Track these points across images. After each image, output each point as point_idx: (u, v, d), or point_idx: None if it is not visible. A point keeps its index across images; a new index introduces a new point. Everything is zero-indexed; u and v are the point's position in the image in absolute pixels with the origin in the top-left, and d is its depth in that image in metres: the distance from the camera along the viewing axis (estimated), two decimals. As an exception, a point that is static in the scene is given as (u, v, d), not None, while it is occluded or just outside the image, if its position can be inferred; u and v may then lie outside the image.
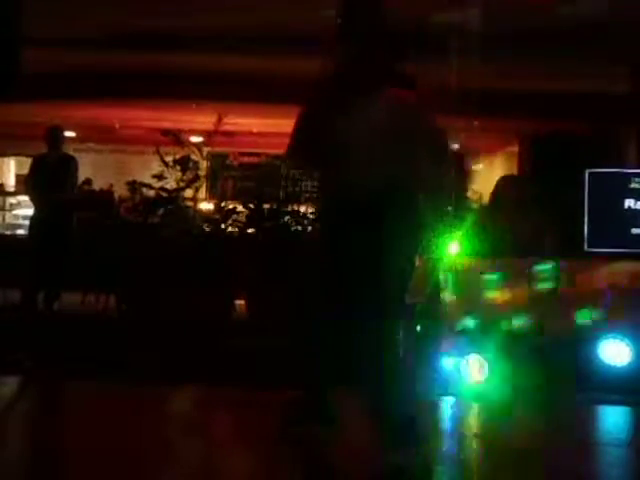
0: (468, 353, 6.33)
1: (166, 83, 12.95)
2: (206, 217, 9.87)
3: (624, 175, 7.13)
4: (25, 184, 10.03)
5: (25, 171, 10.62)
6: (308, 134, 4.49)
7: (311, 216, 9.27)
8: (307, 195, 9.90)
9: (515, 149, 17.53)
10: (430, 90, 4.78)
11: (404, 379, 4.34)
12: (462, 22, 8.83)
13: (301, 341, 4.69)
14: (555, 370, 6.38)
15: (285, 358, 5.17)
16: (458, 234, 7.08)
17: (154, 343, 7.66)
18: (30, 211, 10.24)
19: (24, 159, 16.17)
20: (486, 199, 9.70)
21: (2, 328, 8.01)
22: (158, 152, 9.72)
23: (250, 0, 9.69)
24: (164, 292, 8.78)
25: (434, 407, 5.91)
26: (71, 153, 10.27)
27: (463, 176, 4.32)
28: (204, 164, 10.01)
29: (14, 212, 16.15)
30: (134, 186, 9.78)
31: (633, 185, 6.94)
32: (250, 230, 9.41)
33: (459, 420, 5.75)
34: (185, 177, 9.48)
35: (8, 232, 14.93)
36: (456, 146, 16.16)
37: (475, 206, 9.43)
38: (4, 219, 16.39)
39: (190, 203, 9.68)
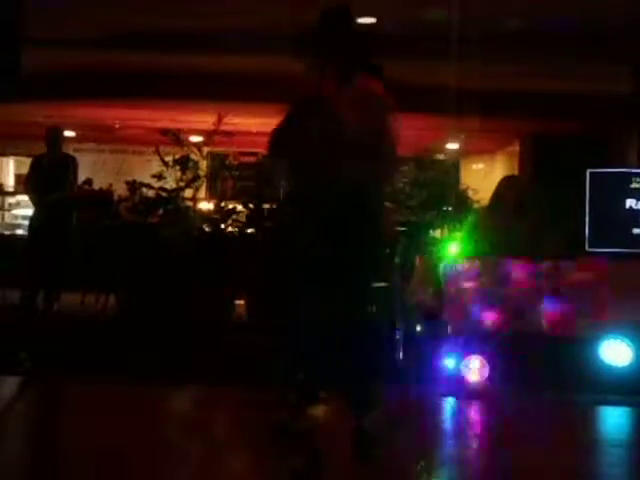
0: (468, 353, 6.32)
1: (166, 83, 12.95)
2: (206, 217, 9.86)
3: (625, 175, 7.11)
4: (24, 184, 10.02)
5: (24, 171, 10.62)
6: (287, 132, 4.73)
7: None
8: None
9: (515, 149, 17.52)
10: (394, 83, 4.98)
11: (378, 347, 4.72)
12: (462, 22, 8.81)
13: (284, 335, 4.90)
14: (556, 370, 6.38)
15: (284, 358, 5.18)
16: (459, 234, 7.08)
17: (154, 343, 7.65)
18: (29, 211, 10.23)
19: (23, 159, 16.19)
20: (486, 199, 9.72)
21: (2, 328, 8.01)
22: (158, 152, 9.72)
23: (250, 0, 9.69)
24: (164, 292, 8.78)
25: (434, 407, 5.91)
26: (71, 153, 10.26)
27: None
28: (204, 164, 10.00)
29: (13, 212, 16.14)
30: (134, 186, 9.77)
31: (634, 185, 6.93)
32: (250, 230, 9.40)
33: (459, 420, 5.75)
34: (185, 177, 9.48)
35: (7, 232, 14.92)
36: (456, 146, 16.19)
37: (475, 206, 9.44)
38: (3, 219, 16.39)
39: (190, 203, 9.68)
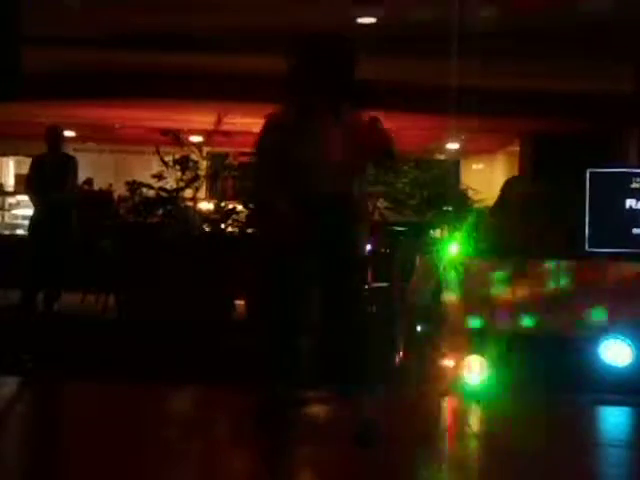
0: (468, 353, 6.32)
1: (166, 83, 12.95)
2: (206, 217, 9.85)
3: (625, 175, 7.11)
4: (25, 184, 10.02)
5: (24, 171, 10.61)
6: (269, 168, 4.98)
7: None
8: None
9: (515, 149, 17.52)
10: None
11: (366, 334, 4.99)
12: (462, 21, 8.81)
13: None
14: (556, 370, 6.37)
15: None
16: (459, 234, 7.08)
17: (154, 343, 7.65)
18: (29, 211, 10.23)
19: (23, 159, 16.19)
20: (487, 199, 9.70)
21: (2, 328, 8.01)
22: (158, 152, 9.70)
23: (250, 0, 9.69)
24: (164, 292, 8.77)
25: (434, 407, 5.90)
26: (71, 153, 10.25)
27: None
28: (204, 164, 9.99)
29: (13, 212, 16.13)
30: (134, 186, 9.76)
31: (634, 185, 6.93)
32: (250, 230, 9.39)
33: (459, 420, 5.74)
34: (185, 177, 9.46)
35: (7, 232, 14.92)
36: (456, 146, 16.19)
37: (476, 206, 9.42)
38: (3, 219, 16.38)
39: (190, 203, 9.66)
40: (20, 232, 13.77)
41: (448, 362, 6.35)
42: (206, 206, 10.97)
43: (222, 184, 10.65)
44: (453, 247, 6.94)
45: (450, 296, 6.75)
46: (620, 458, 4.97)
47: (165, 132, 9.84)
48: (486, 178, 18.10)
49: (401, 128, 12.41)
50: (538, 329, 6.68)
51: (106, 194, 14.91)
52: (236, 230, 9.46)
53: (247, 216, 9.44)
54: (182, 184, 9.46)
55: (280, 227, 4.82)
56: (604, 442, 5.50)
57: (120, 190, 12.74)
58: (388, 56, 10.14)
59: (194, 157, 9.65)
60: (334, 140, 4.90)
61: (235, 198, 10.13)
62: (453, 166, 12.59)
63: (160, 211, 9.40)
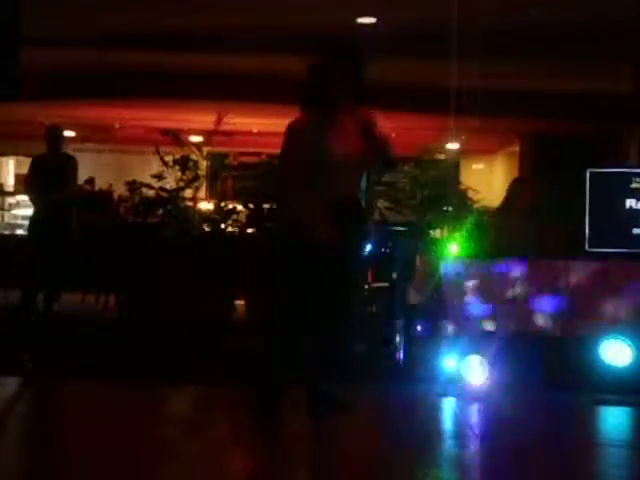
0: (468, 353, 6.31)
1: (166, 83, 12.95)
2: (206, 217, 9.85)
3: (625, 175, 7.10)
4: (25, 184, 10.01)
5: (24, 171, 10.61)
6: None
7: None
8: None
9: (515, 149, 17.53)
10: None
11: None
12: (462, 21, 8.81)
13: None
14: (556, 370, 6.37)
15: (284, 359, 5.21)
16: (459, 234, 7.07)
17: (154, 343, 7.65)
18: (29, 211, 10.23)
19: (23, 159, 16.19)
20: (487, 199, 9.70)
21: (2, 328, 8.01)
22: (158, 152, 9.70)
23: (250, 0, 9.69)
24: (164, 292, 8.77)
25: (434, 407, 5.90)
26: (71, 153, 10.25)
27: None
28: (204, 164, 9.99)
29: (13, 212, 16.15)
30: (134, 186, 9.76)
31: (634, 185, 6.92)
32: (250, 230, 9.40)
33: (459, 420, 5.74)
34: (185, 177, 9.47)
35: (7, 232, 14.93)
36: (456, 146, 16.18)
37: (476, 206, 9.43)
38: (3, 219, 16.39)
39: (190, 203, 9.67)
40: (20, 232, 13.78)
41: (448, 362, 6.35)
42: (206, 206, 10.97)
43: (222, 184, 10.66)
44: (453, 247, 6.93)
45: (450, 296, 6.74)
46: (620, 458, 4.97)
47: (165, 132, 9.85)
48: (486, 178, 18.13)
49: (401, 128, 12.44)
50: (538, 329, 6.67)
51: (106, 194, 14.92)
52: (236, 230, 9.47)
53: (247, 216, 9.45)
54: (182, 184, 9.47)
55: (309, 228, 4.95)
56: (604, 442, 5.49)
57: (120, 190, 12.76)
58: (388, 56, 10.14)
59: (194, 157, 9.65)
60: (344, 142, 5.00)
61: (235, 198, 10.14)
62: (453, 166, 12.57)
63: (160, 211, 9.41)
